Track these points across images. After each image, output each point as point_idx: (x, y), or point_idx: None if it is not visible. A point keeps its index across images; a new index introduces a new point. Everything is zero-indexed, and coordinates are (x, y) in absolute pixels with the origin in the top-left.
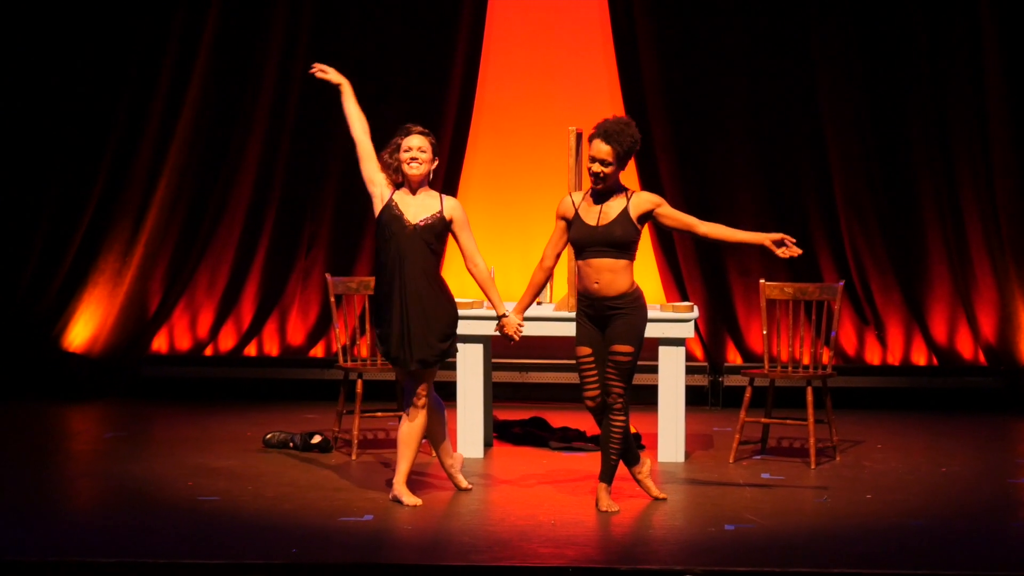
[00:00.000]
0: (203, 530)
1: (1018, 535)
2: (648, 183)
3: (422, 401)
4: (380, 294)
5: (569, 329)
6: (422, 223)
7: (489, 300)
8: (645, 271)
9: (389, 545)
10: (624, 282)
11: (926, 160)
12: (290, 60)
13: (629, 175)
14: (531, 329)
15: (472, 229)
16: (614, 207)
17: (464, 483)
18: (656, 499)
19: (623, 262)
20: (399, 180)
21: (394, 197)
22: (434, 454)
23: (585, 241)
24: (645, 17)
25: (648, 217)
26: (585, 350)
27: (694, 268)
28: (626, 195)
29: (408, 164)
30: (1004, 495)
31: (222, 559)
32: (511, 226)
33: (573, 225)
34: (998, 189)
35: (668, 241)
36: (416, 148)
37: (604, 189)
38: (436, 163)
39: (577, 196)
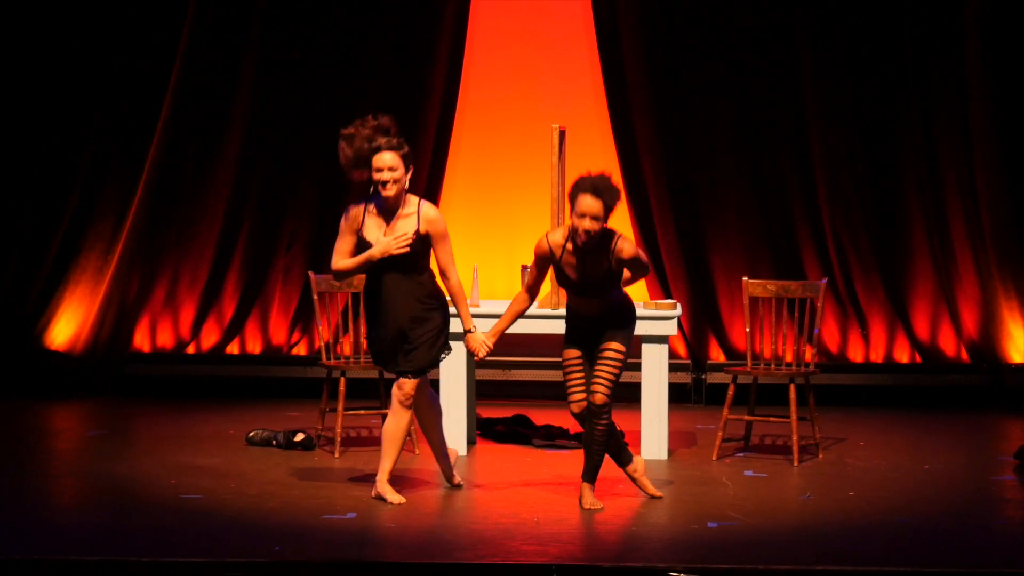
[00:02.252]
0: (186, 528)
1: (1001, 532)
2: (632, 182)
3: (409, 401)
4: (369, 308)
5: (552, 327)
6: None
7: (458, 312)
8: None
9: (372, 543)
10: (615, 301)
11: (910, 158)
12: (270, 56)
13: (613, 176)
14: (515, 327)
15: (455, 229)
16: (599, 263)
17: (457, 479)
18: (652, 497)
19: (612, 292)
20: (372, 192)
21: (367, 222)
22: (416, 451)
23: (574, 290)
24: (628, 15)
25: (621, 264)
26: (574, 352)
27: (678, 266)
28: (608, 248)
29: (382, 188)
30: (987, 492)
31: (205, 557)
32: (495, 224)
33: (557, 272)
34: (980, 187)
35: (652, 239)
36: (387, 168)
37: (586, 246)
38: (411, 172)
39: (556, 238)
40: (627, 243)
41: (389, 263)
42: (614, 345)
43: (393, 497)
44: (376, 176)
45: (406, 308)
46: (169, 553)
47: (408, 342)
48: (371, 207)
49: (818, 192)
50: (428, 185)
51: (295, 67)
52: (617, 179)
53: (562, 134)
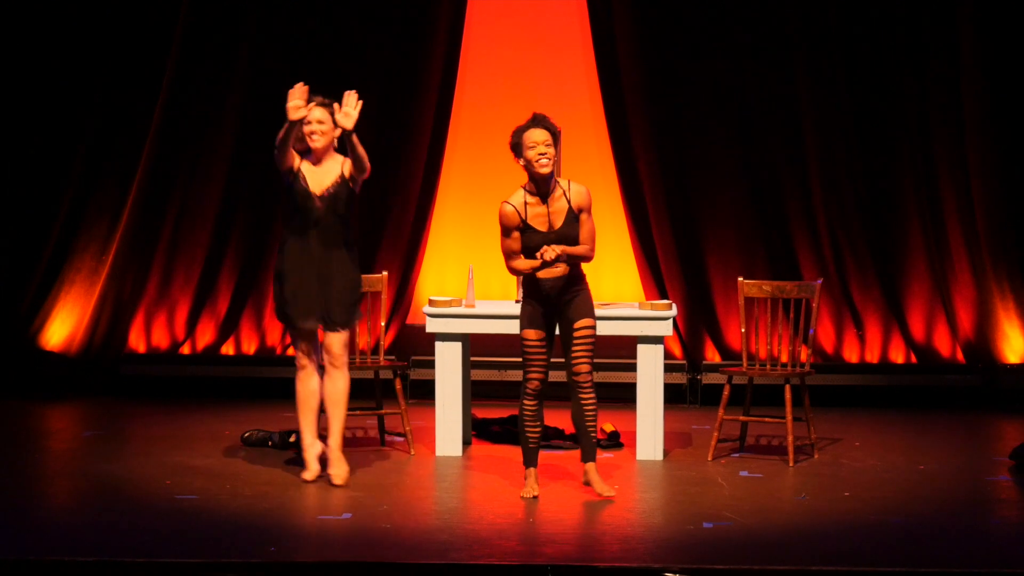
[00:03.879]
0: (181, 529)
1: (995, 532)
2: (628, 184)
3: (342, 361)
4: (287, 260)
5: None
6: (326, 192)
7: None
8: (624, 269)
9: (367, 543)
10: (577, 270)
11: (906, 158)
12: (263, 57)
13: (609, 176)
14: (510, 327)
15: (451, 229)
16: (559, 207)
17: (312, 473)
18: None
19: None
20: (304, 148)
21: (301, 168)
22: (412, 452)
23: (541, 247)
24: (625, 17)
25: (578, 201)
26: (538, 333)
27: (674, 266)
28: (564, 190)
29: (309, 137)
30: (982, 492)
31: (200, 558)
32: (491, 225)
33: (524, 233)
34: (975, 187)
35: (648, 239)
36: (315, 121)
37: (548, 175)
38: (340, 131)
39: (517, 200)
40: (577, 186)
41: (314, 218)
42: (587, 321)
43: (311, 471)
44: (305, 128)
45: (327, 263)
46: (164, 554)
47: (328, 298)
48: (305, 161)
49: (814, 192)
50: (424, 185)
51: (289, 67)
52: (612, 179)
53: (557, 135)
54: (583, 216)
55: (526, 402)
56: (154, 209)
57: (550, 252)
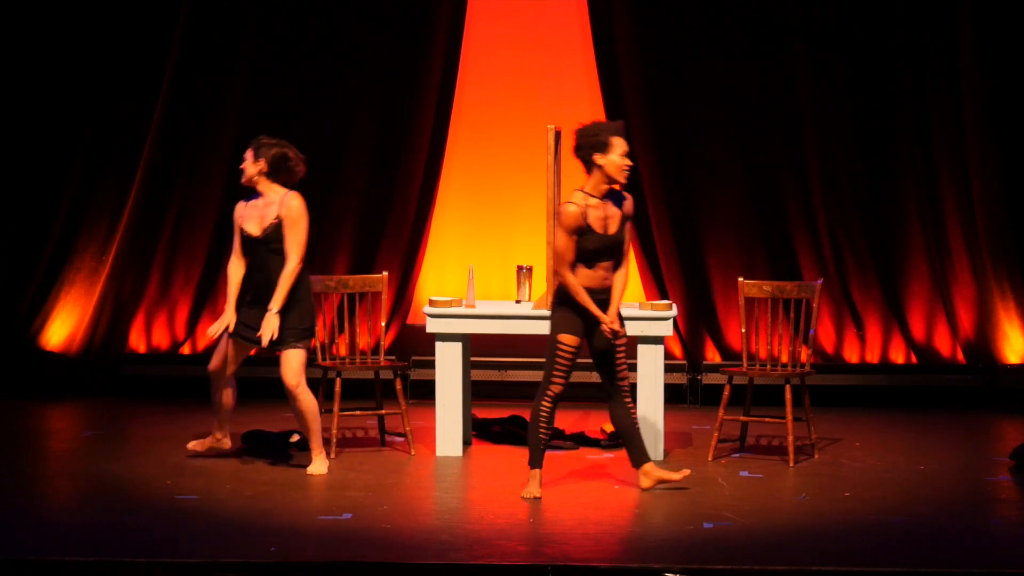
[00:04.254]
0: (182, 529)
1: (996, 532)
2: (628, 183)
3: (293, 385)
4: (249, 287)
5: (547, 328)
6: (260, 234)
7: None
8: None
9: (368, 544)
10: (611, 277)
11: (906, 158)
12: (264, 57)
13: None
14: (510, 327)
15: (451, 229)
16: (614, 212)
17: (197, 446)
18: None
19: (618, 260)
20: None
21: (246, 208)
22: (412, 452)
23: (601, 252)
24: (624, 17)
25: (628, 209)
26: (575, 340)
27: (673, 266)
28: (621, 198)
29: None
30: (982, 492)
31: (201, 558)
32: (491, 225)
33: (586, 235)
34: (975, 187)
35: (648, 239)
36: (244, 157)
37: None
38: (261, 162)
39: (577, 199)
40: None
41: (259, 255)
42: (623, 331)
43: (196, 442)
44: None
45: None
46: (164, 554)
47: (281, 328)
48: (250, 201)
49: (814, 193)
50: (423, 185)
51: (289, 67)
52: None
53: (558, 135)
54: (628, 224)
55: (544, 404)
56: (154, 209)
57: (623, 339)
